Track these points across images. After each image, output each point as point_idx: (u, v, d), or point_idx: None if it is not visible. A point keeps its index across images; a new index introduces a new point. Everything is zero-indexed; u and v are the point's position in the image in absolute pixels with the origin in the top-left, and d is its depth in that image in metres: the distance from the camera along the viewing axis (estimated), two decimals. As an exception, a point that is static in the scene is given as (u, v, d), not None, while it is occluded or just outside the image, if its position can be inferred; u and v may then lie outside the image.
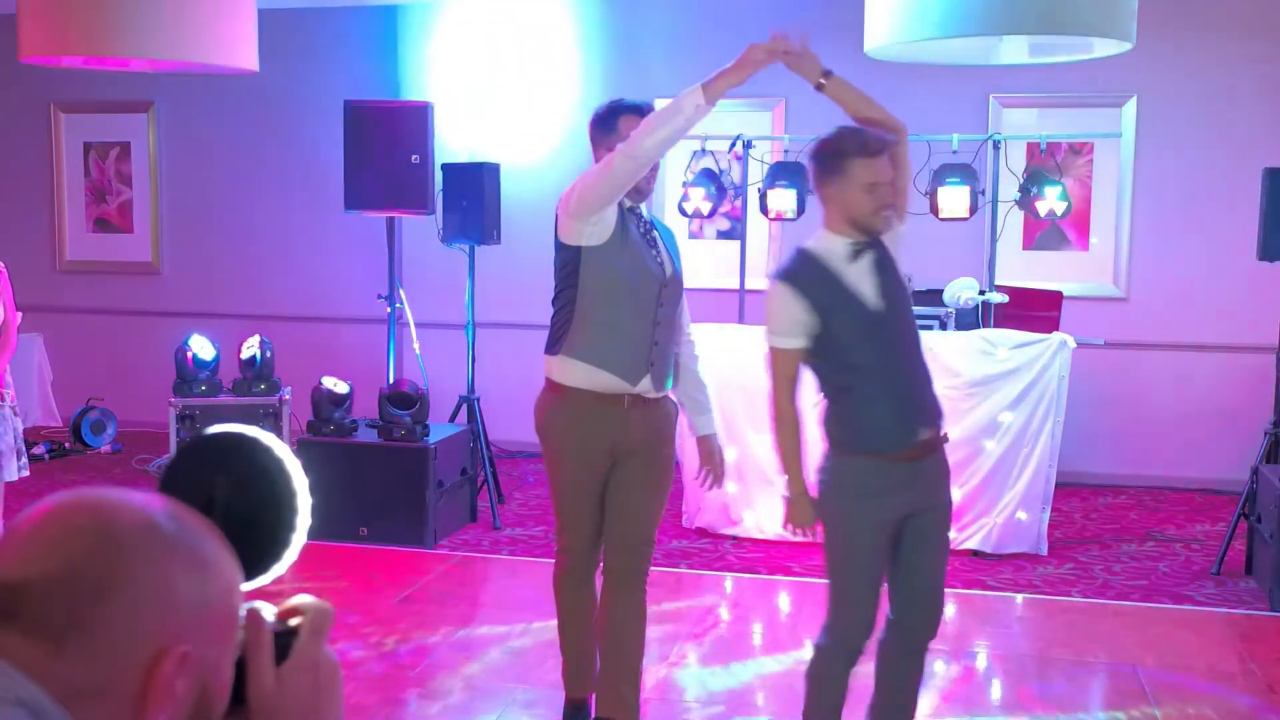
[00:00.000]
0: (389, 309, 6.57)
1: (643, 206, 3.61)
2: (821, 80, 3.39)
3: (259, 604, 1.11)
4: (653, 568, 3.70)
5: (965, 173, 6.09)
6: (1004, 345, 5.77)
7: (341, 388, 6.07)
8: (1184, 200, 7.27)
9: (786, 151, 6.90)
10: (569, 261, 3.48)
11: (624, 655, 3.62)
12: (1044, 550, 5.87)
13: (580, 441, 3.52)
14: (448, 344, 7.46)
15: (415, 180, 6.19)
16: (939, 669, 4.42)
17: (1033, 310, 6.40)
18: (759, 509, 6.07)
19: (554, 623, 3.82)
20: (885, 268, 3.19)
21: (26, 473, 5.45)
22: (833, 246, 3.16)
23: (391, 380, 6.51)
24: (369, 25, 8.21)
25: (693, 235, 7.65)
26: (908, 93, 7.29)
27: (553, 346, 3.55)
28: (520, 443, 7.63)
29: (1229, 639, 4.90)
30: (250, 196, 8.56)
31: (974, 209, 6.12)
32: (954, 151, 6.17)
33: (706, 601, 5.29)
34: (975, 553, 5.81)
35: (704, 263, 7.35)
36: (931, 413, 3.22)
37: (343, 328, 8.27)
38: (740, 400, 5.76)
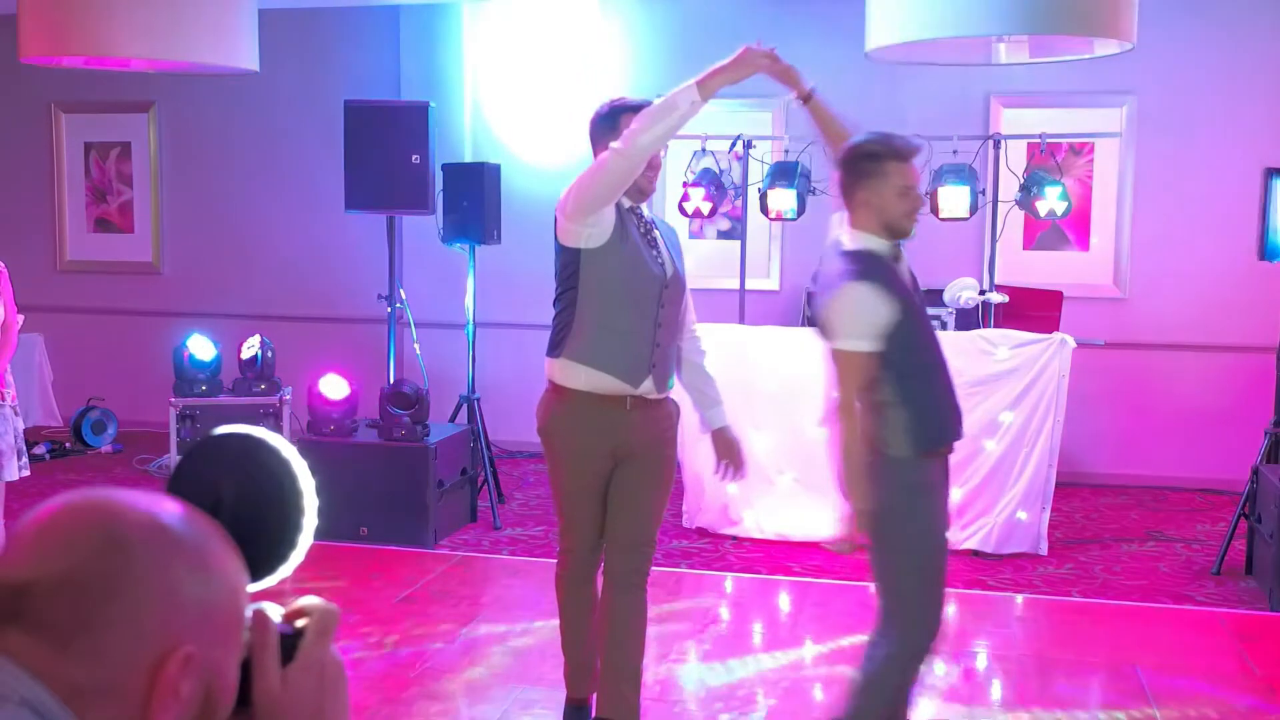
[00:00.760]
0: (389, 309, 6.57)
1: (644, 206, 3.60)
2: (807, 95, 3.37)
3: (265, 605, 1.11)
4: (653, 568, 3.70)
5: (965, 173, 6.09)
6: (1004, 345, 5.78)
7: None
8: (1184, 200, 7.27)
9: (787, 151, 6.89)
10: (569, 264, 3.48)
11: (624, 655, 3.62)
12: (1044, 550, 5.87)
13: (582, 443, 3.52)
14: (448, 344, 7.47)
15: (415, 180, 6.19)
16: (939, 669, 4.42)
17: (1033, 310, 6.40)
18: (759, 509, 6.08)
19: (554, 622, 3.82)
20: (910, 270, 3.28)
21: (27, 472, 5.45)
22: (876, 248, 3.18)
23: (391, 380, 6.51)
24: (369, 25, 8.21)
25: (693, 235, 7.65)
26: (908, 93, 7.33)
27: (554, 349, 3.54)
28: (520, 443, 7.63)
29: (1229, 639, 4.91)
30: (250, 196, 8.57)
31: (974, 209, 6.12)
32: (954, 152, 6.17)
33: (706, 601, 5.29)
34: (975, 552, 5.82)
35: (704, 263, 7.35)
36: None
37: (343, 328, 8.27)
38: (740, 400, 5.74)
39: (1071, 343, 5.78)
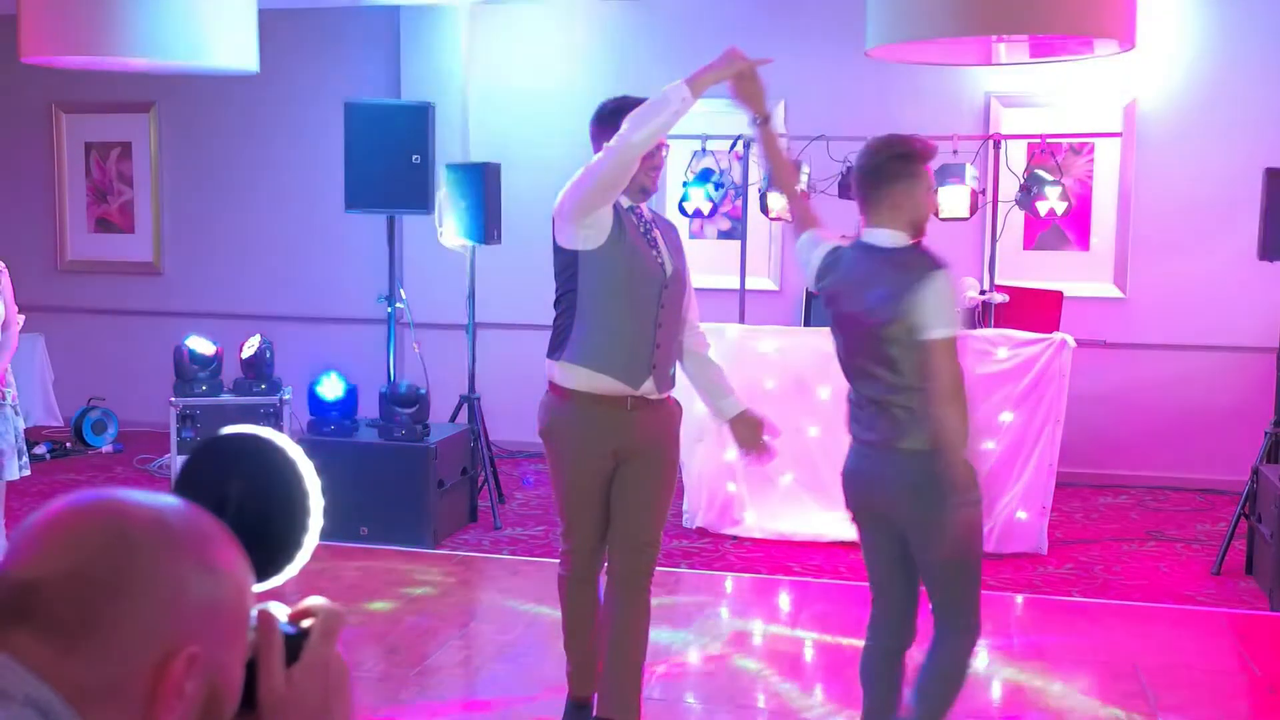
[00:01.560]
0: (389, 309, 6.57)
1: (645, 205, 3.60)
2: (766, 117, 3.42)
3: (271, 605, 1.11)
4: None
5: (965, 173, 6.09)
6: (1004, 345, 5.78)
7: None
8: (1184, 200, 7.27)
9: (787, 151, 6.89)
10: (567, 266, 3.48)
11: (626, 656, 3.62)
12: (1044, 550, 5.87)
13: (584, 444, 3.52)
14: (448, 344, 7.47)
15: (415, 180, 6.19)
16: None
17: (1033, 310, 6.40)
18: (759, 509, 6.08)
19: (555, 622, 3.82)
20: None
21: (28, 472, 5.45)
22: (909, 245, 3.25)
23: (391, 380, 6.51)
24: (369, 25, 8.21)
25: (693, 235, 7.65)
26: (908, 93, 7.33)
27: (554, 351, 3.54)
28: (520, 443, 7.63)
29: (1229, 639, 4.91)
30: (251, 196, 8.57)
31: (974, 209, 6.12)
32: (954, 151, 6.18)
33: (706, 601, 5.29)
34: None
35: (704, 263, 7.35)
36: None
37: (343, 328, 8.28)
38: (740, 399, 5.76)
39: (1072, 343, 5.78)
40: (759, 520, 6.08)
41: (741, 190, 6.72)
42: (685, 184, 6.62)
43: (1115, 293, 7.39)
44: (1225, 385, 7.22)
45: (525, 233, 7.15)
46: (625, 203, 3.47)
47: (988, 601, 5.27)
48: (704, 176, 6.59)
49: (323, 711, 1.10)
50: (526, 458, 7.67)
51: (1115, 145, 7.22)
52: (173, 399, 6.18)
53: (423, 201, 6.23)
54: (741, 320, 6.47)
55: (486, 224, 6.38)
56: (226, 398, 6.26)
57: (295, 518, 1.18)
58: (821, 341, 5.81)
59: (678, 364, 3.68)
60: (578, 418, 3.51)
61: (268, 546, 1.14)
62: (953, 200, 6.08)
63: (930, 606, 3.33)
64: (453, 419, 6.66)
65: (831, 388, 5.54)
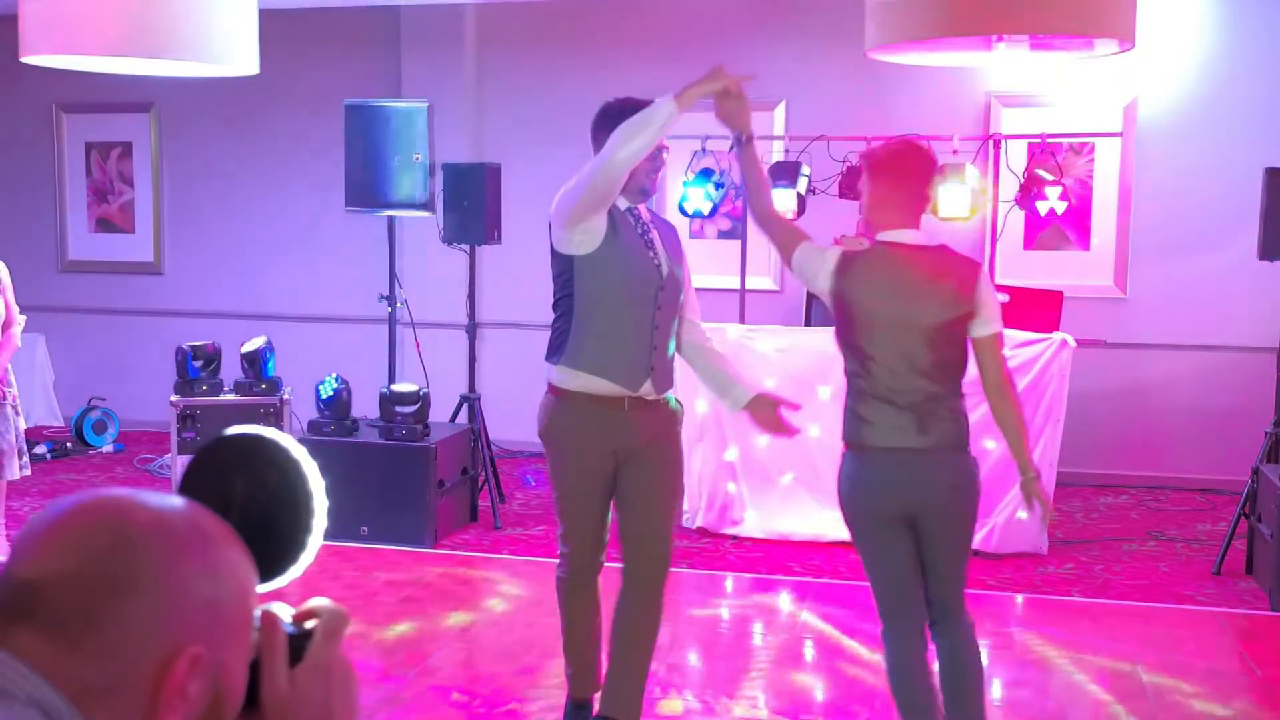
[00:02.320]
0: (389, 309, 6.58)
1: (644, 206, 3.60)
2: (750, 137, 3.40)
3: (274, 606, 1.11)
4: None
5: (965, 172, 6.09)
6: (1004, 345, 5.77)
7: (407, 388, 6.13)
8: (1184, 200, 7.27)
9: (787, 152, 6.90)
10: (564, 270, 3.49)
11: (634, 657, 3.64)
12: (1044, 550, 5.87)
13: (582, 445, 3.53)
14: (448, 344, 7.47)
15: (415, 180, 6.20)
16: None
17: (1033, 310, 6.40)
18: (759, 509, 6.08)
19: (555, 622, 3.82)
20: None
21: (28, 472, 5.46)
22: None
23: (391, 380, 6.51)
24: (369, 25, 8.21)
25: (693, 235, 7.64)
26: (908, 93, 7.33)
27: (552, 355, 3.55)
28: (520, 442, 7.63)
29: (1229, 639, 4.91)
30: (251, 196, 8.57)
31: (974, 209, 6.12)
32: (954, 151, 6.18)
33: (706, 601, 5.29)
34: (975, 553, 5.79)
35: (704, 263, 7.35)
36: None
37: (343, 328, 8.28)
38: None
39: (1072, 343, 5.78)
40: (759, 520, 6.08)
41: (741, 190, 6.71)
42: (685, 184, 6.62)
43: (1115, 293, 7.39)
44: (1225, 385, 7.22)
45: (525, 233, 7.15)
46: (623, 204, 3.48)
47: (988, 601, 5.29)
48: (704, 176, 6.59)
49: (326, 712, 1.10)
50: (527, 458, 7.67)
51: (1115, 145, 7.23)
52: (173, 398, 6.18)
53: (423, 201, 6.23)
54: (741, 320, 6.47)
55: (486, 224, 6.38)
56: (226, 398, 6.27)
57: (299, 518, 1.18)
58: (822, 341, 5.82)
59: (682, 361, 3.69)
60: (576, 418, 3.52)
61: (272, 547, 1.15)
62: (953, 200, 6.09)
63: (941, 606, 3.32)
64: (453, 419, 6.67)
65: (832, 388, 5.54)
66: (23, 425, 5.48)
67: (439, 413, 6.55)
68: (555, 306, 3.57)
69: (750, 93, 3.41)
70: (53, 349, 8.68)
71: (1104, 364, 7.13)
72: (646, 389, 3.51)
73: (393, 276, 6.57)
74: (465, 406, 6.65)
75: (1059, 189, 6.23)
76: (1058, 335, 5.82)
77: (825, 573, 5.62)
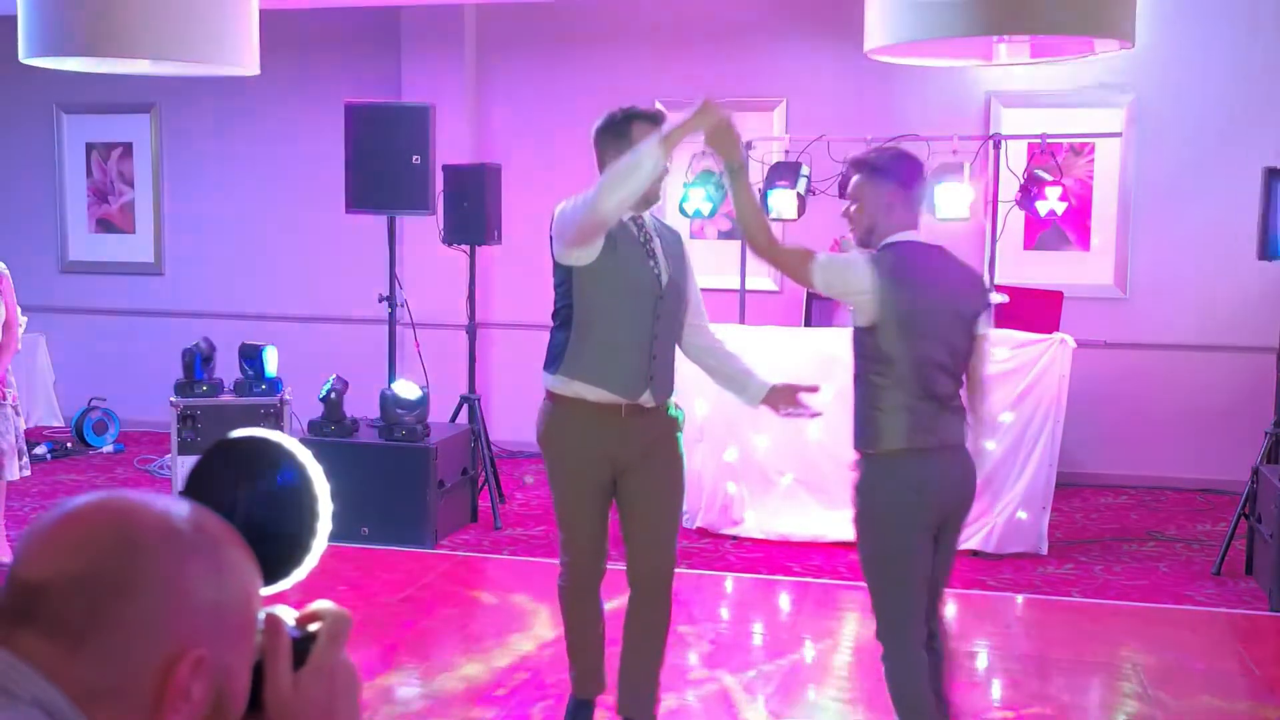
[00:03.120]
0: (389, 309, 6.58)
1: (647, 214, 3.58)
2: (741, 165, 3.36)
3: (278, 608, 1.11)
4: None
5: (964, 172, 6.09)
6: (1004, 345, 5.77)
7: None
8: (1184, 200, 7.27)
9: (787, 152, 6.89)
10: (564, 280, 3.49)
11: (646, 659, 3.68)
12: (1044, 550, 5.87)
13: (581, 450, 3.53)
14: (448, 344, 7.47)
15: (415, 180, 6.20)
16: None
17: (1033, 310, 6.40)
18: (760, 509, 6.08)
19: (556, 623, 3.83)
20: None
21: (28, 472, 5.47)
22: None
23: (391, 380, 6.51)
24: (369, 25, 8.21)
25: (694, 235, 7.65)
26: (908, 93, 7.33)
27: (551, 364, 3.55)
28: (520, 443, 7.64)
29: (1229, 639, 4.91)
30: (251, 197, 8.57)
31: (973, 209, 6.12)
32: (954, 152, 6.18)
33: (706, 601, 5.30)
34: (975, 553, 5.82)
35: (704, 263, 7.35)
36: None
37: (343, 328, 8.28)
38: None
39: (1072, 343, 5.78)
40: (759, 520, 6.08)
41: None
42: (685, 185, 6.62)
43: (1115, 293, 7.39)
44: (1225, 385, 7.22)
45: (525, 233, 7.16)
46: (627, 213, 3.46)
47: (988, 601, 5.29)
48: (704, 177, 6.59)
49: (329, 715, 1.10)
50: (527, 458, 7.67)
51: (1115, 145, 7.23)
52: (174, 399, 6.18)
53: (423, 202, 6.23)
54: (741, 320, 6.47)
55: (487, 224, 6.38)
56: (227, 398, 6.27)
57: (303, 521, 1.18)
58: (822, 341, 5.84)
59: (684, 364, 3.69)
60: (573, 425, 3.52)
61: (276, 550, 1.14)
62: (952, 200, 6.08)
63: (934, 616, 3.33)
64: (453, 419, 6.67)
65: (832, 388, 5.54)
66: (23, 426, 5.48)
67: (439, 413, 6.55)
68: (554, 316, 3.57)
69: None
70: (53, 349, 8.68)
71: (1104, 364, 7.13)
72: (645, 397, 3.51)
73: (393, 277, 6.57)
74: (465, 407, 6.66)
75: (1059, 189, 6.23)
76: (1058, 335, 5.82)
77: (825, 573, 5.62)
